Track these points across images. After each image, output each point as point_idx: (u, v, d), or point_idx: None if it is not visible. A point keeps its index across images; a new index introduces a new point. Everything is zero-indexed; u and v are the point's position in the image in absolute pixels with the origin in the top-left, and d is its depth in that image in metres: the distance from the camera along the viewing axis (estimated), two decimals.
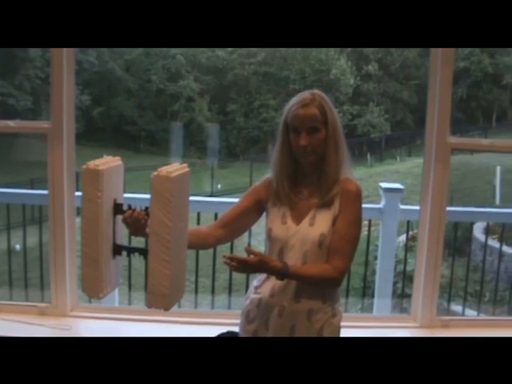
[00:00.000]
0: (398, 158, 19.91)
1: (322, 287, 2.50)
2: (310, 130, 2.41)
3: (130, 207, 2.26)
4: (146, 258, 2.21)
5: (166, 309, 2.20)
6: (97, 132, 20.46)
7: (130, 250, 2.29)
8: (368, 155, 19.56)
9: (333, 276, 2.44)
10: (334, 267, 2.43)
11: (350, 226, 2.47)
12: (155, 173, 2.09)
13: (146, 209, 2.23)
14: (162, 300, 2.18)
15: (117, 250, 2.29)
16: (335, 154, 2.46)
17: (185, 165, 2.19)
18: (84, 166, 2.17)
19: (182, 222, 2.19)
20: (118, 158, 2.30)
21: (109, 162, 2.23)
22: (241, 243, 2.97)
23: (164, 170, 2.10)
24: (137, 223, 2.25)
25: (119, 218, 2.27)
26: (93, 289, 2.27)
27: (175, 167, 2.15)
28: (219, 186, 17.09)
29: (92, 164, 2.17)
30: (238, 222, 2.60)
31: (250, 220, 2.64)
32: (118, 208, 2.26)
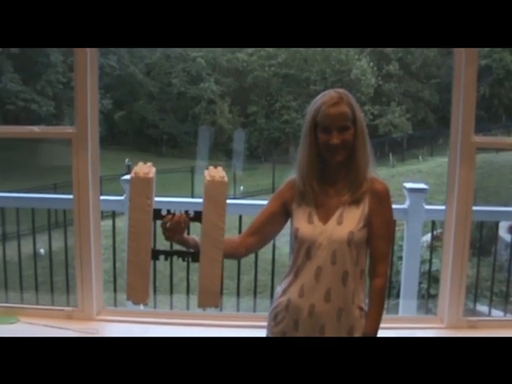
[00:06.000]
0: (421, 158, 19.85)
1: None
2: (340, 128, 2.41)
3: (169, 212, 2.28)
4: (184, 260, 2.31)
5: (217, 306, 2.27)
6: (119, 136, 20.60)
7: (168, 254, 2.32)
8: (390, 155, 19.49)
9: (385, 285, 2.55)
10: (380, 275, 2.52)
11: (386, 226, 2.53)
12: (209, 178, 2.13)
13: (186, 212, 2.27)
14: (213, 298, 2.24)
15: (155, 254, 2.30)
16: (364, 152, 2.47)
17: (220, 168, 2.23)
18: (133, 174, 2.18)
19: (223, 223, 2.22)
20: (150, 163, 2.33)
21: (146, 168, 2.25)
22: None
23: (214, 174, 2.14)
24: (177, 227, 2.28)
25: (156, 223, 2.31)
26: (139, 296, 2.29)
27: (216, 171, 2.20)
28: (241, 188, 17.08)
29: (141, 172, 2.19)
30: (267, 228, 2.61)
31: (279, 224, 2.63)
32: (156, 214, 2.27)
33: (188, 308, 3.97)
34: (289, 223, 2.62)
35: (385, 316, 2.56)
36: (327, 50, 20.98)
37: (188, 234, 2.47)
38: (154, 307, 4.87)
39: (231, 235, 2.83)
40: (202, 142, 19.96)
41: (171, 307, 5.11)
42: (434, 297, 4.82)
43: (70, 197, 3.65)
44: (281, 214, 2.59)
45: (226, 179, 2.13)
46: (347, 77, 21.03)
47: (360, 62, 21.26)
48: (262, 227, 2.59)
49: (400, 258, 5.44)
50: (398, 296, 5.12)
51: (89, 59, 3.45)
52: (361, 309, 2.51)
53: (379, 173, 2.59)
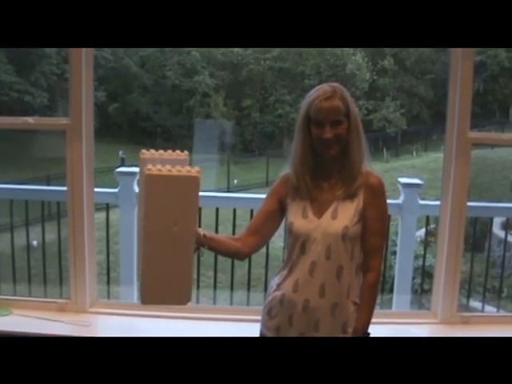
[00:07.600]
0: (414, 153, 19.86)
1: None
2: (334, 122, 2.40)
3: None
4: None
5: (142, 302, 2.28)
6: (113, 128, 20.51)
7: None
8: (384, 150, 19.49)
9: (378, 280, 2.55)
10: (372, 269, 2.52)
11: (380, 221, 2.52)
12: (144, 169, 2.09)
13: None
14: (139, 293, 2.25)
15: None
16: (358, 146, 2.47)
17: (196, 169, 2.16)
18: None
19: (174, 225, 2.16)
20: (185, 153, 2.31)
21: (166, 155, 2.24)
22: None
23: (156, 167, 2.08)
24: None
25: None
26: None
27: (178, 169, 2.12)
28: (235, 181, 17.06)
29: (144, 151, 2.21)
30: (267, 226, 2.60)
31: (277, 221, 2.63)
32: None
33: None
34: None
35: (379, 311, 2.57)
36: None
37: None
38: None
39: (226, 233, 2.83)
40: (196, 134, 19.90)
41: None
42: (428, 292, 4.83)
43: (64, 188, 3.64)
44: (278, 210, 2.58)
45: (149, 172, 2.05)
46: (342, 71, 20.97)
47: (355, 56, 21.19)
48: (261, 226, 2.59)
49: (394, 252, 5.45)
50: (391, 291, 5.11)
51: (84, 51, 3.44)
52: (355, 304, 2.51)
53: (373, 168, 2.58)
